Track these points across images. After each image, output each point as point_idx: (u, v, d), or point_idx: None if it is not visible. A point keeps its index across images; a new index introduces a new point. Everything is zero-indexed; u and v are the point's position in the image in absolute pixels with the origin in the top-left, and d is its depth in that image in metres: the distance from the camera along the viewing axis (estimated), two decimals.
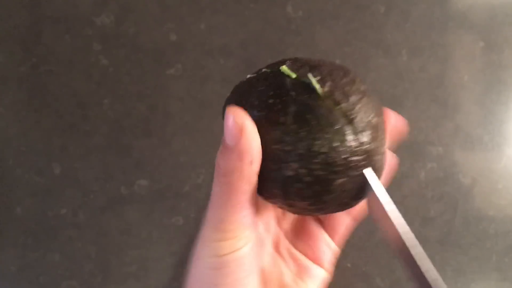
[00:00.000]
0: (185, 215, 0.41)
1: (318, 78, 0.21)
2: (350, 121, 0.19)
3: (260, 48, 0.41)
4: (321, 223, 0.25)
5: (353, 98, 0.20)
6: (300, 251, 0.24)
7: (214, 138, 0.41)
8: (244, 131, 0.18)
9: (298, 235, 0.25)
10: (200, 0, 0.41)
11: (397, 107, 0.42)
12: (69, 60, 0.40)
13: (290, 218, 0.25)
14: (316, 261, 0.24)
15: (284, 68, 0.21)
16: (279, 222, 0.25)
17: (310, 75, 0.20)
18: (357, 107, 0.20)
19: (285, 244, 0.25)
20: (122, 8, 0.40)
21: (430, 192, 0.42)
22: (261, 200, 0.22)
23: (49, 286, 0.40)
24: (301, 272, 0.24)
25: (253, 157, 0.19)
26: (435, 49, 0.42)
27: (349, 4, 0.42)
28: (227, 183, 0.19)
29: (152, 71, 0.41)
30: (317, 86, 0.20)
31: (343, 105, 0.20)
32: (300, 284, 0.23)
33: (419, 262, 0.19)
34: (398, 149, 0.43)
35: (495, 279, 0.43)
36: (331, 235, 0.25)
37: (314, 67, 0.22)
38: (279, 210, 0.25)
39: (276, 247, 0.24)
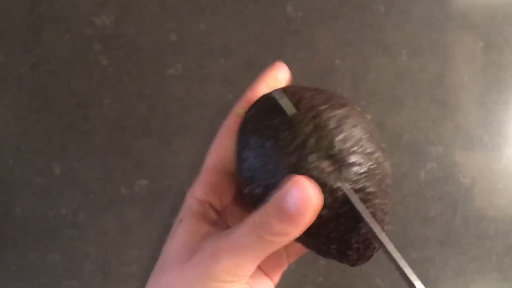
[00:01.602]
0: None
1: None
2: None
3: (260, 48, 0.41)
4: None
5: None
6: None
7: (214, 138, 0.41)
8: (311, 208, 0.18)
9: None
10: (200, 0, 0.41)
11: (397, 107, 0.42)
12: (69, 60, 0.40)
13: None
14: (268, 273, 0.24)
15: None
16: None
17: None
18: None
19: None
20: (122, 8, 0.40)
21: (430, 192, 0.42)
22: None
23: (49, 286, 0.40)
24: (253, 281, 0.23)
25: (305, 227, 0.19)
26: (435, 49, 0.42)
27: (349, 4, 0.42)
28: (270, 242, 0.19)
29: (152, 71, 0.41)
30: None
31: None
32: None
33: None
34: (399, 149, 0.43)
35: (495, 279, 0.43)
36: (289, 252, 0.25)
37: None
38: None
39: None
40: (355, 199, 0.20)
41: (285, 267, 0.26)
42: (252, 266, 0.19)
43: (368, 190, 0.20)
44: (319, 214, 0.19)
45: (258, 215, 0.19)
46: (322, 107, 0.21)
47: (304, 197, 0.18)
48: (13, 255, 0.40)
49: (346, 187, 0.20)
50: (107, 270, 0.41)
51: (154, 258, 0.42)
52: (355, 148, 0.20)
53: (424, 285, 0.25)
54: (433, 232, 0.43)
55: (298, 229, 0.18)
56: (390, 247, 0.21)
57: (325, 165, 0.20)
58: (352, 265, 0.22)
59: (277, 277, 0.25)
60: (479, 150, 0.43)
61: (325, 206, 0.19)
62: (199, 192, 0.25)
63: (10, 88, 0.40)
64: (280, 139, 0.20)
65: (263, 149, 0.21)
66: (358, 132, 0.21)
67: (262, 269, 0.25)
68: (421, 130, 0.42)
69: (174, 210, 0.41)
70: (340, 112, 0.21)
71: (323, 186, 0.19)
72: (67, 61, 0.40)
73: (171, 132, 0.41)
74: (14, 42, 0.40)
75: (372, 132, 0.22)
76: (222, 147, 0.25)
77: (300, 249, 0.25)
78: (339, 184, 0.20)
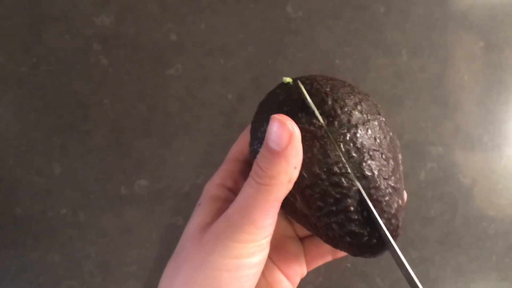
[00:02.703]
0: (185, 215, 0.41)
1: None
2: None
3: (260, 48, 0.41)
4: (303, 247, 0.26)
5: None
6: (276, 265, 0.25)
7: (214, 138, 0.41)
8: (293, 137, 0.19)
9: (278, 250, 0.25)
10: (200, 0, 0.41)
11: (397, 107, 0.42)
12: (69, 60, 0.40)
13: (275, 233, 0.26)
14: (287, 277, 0.25)
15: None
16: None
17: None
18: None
19: None
20: (122, 8, 0.40)
21: (430, 192, 0.42)
22: None
23: (49, 286, 0.40)
24: (274, 283, 0.24)
25: (298, 163, 0.19)
26: (435, 49, 0.42)
27: (349, 4, 0.42)
28: (267, 187, 0.19)
29: (152, 71, 0.41)
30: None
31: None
32: None
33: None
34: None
35: (495, 279, 0.43)
36: (307, 261, 0.26)
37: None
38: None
39: None
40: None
41: (304, 273, 0.26)
42: (264, 222, 0.19)
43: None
44: (314, 173, 0.20)
45: (252, 167, 0.20)
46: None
47: (280, 128, 0.19)
48: (13, 255, 0.40)
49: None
50: (107, 270, 0.41)
51: (154, 258, 0.42)
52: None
53: (424, 285, 0.25)
54: (433, 232, 0.43)
55: (288, 164, 0.19)
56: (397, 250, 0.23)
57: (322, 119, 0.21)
58: (367, 252, 0.23)
59: (296, 282, 0.26)
60: (479, 150, 0.43)
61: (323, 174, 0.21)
62: (217, 178, 0.25)
63: (10, 88, 0.40)
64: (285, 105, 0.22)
65: (268, 114, 0.21)
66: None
67: (284, 274, 0.25)
68: (421, 130, 0.42)
69: (174, 210, 0.41)
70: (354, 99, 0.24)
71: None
72: (67, 61, 0.40)
73: (171, 132, 0.41)
74: (14, 42, 0.40)
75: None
76: (241, 141, 0.26)
77: (320, 256, 0.26)
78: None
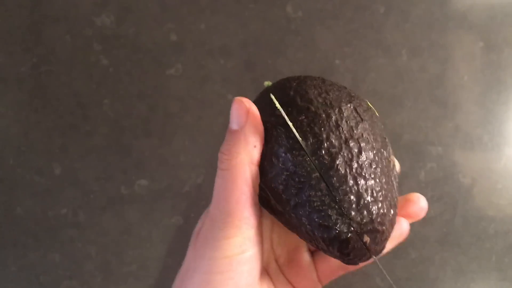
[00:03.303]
0: (185, 215, 0.41)
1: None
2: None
3: (260, 48, 0.41)
4: (314, 260, 0.25)
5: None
6: (287, 278, 0.24)
7: (214, 138, 0.41)
8: (250, 114, 0.19)
9: (289, 263, 0.25)
10: (200, 0, 0.41)
11: (397, 107, 0.42)
12: (70, 60, 0.40)
13: (285, 245, 0.25)
14: None
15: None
16: (273, 246, 0.25)
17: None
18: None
19: (274, 267, 0.24)
20: (122, 8, 0.40)
21: (430, 192, 0.42)
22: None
23: (49, 286, 0.40)
24: None
25: (257, 141, 0.19)
26: (435, 49, 0.43)
27: (349, 4, 0.42)
28: (231, 170, 0.19)
29: (152, 71, 0.41)
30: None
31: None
32: None
33: None
34: (398, 149, 0.43)
35: (494, 279, 0.43)
36: (319, 276, 0.25)
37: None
38: (275, 236, 0.25)
39: (266, 269, 0.24)
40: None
41: (337, 275, 0.26)
42: (239, 208, 0.19)
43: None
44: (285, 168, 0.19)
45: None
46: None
47: (238, 106, 0.19)
48: (13, 255, 0.40)
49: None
50: (107, 270, 0.41)
51: (154, 258, 0.42)
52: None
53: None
54: (433, 232, 0.43)
55: (246, 142, 0.19)
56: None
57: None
58: (346, 250, 0.20)
59: (325, 281, 0.25)
60: (479, 150, 0.43)
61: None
62: None
63: (10, 88, 0.40)
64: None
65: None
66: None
67: (317, 269, 0.24)
68: (421, 130, 0.42)
69: (174, 210, 0.41)
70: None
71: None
72: (67, 61, 0.40)
73: (171, 132, 0.41)
74: (15, 42, 0.40)
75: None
76: None
77: (331, 272, 0.25)
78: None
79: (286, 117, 0.20)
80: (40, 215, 0.40)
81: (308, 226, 0.19)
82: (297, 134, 0.19)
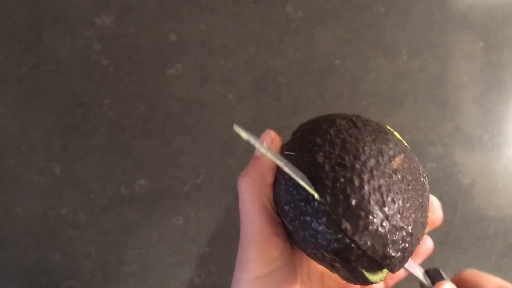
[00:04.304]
0: (185, 215, 0.41)
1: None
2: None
3: (260, 48, 0.41)
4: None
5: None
6: None
7: (214, 138, 0.41)
8: (272, 145, 0.22)
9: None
10: (200, 0, 0.41)
11: (397, 107, 0.42)
12: (69, 60, 0.40)
13: (336, 277, 0.25)
14: None
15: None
16: (324, 279, 0.25)
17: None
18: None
19: None
20: (122, 8, 0.40)
21: (430, 192, 0.42)
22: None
23: (49, 286, 0.40)
24: None
25: (274, 167, 0.21)
26: (435, 49, 0.43)
27: (349, 4, 0.42)
28: (250, 192, 0.21)
29: (152, 71, 0.41)
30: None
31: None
32: None
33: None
34: None
35: None
36: None
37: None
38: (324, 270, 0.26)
39: None
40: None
41: None
42: (263, 229, 0.20)
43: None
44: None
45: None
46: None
47: (264, 136, 0.22)
48: (13, 254, 0.40)
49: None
50: (108, 270, 0.41)
51: (154, 258, 0.42)
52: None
53: None
54: (433, 232, 0.43)
55: (263, 165, 0.21)
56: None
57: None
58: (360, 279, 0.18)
59: None
60: (479, 150, 0.43)
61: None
62: None
63: (10, 88, 0.40)
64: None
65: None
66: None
67: None
68: (421, 130, 0.42)
69: (174, 210, 0.41)
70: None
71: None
72: (67, 61, 0.40)
73: (171, 132, 0.41)
74: (15, 42, 0.40)
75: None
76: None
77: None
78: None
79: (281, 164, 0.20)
80: (40, 215, 0.40)
81: (302, 232, 0.19)
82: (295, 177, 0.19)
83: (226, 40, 0.41)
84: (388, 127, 0.22)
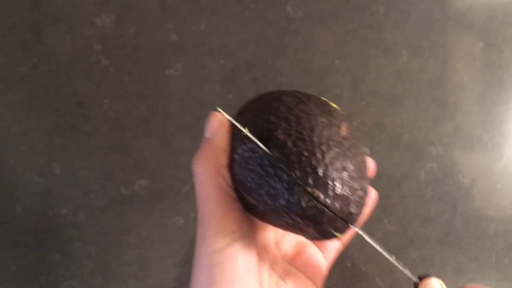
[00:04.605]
0: (185, 215, 0.41)
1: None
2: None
3: (260, 48, 0.41)
4: (318, 246, 0.28)
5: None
6: (299, 270, 0.26)
7: None
8: (221, 127, 0.23)
9: (298, 255, 0.27)
10: (200, 0, 0.41)
11: (397, 107, 0.42)
12: (70, 60, 0.40)
13: (290, 241, 0.27)
14: (311, 278, 0.26)
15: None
16: (278, 244, 0.27)
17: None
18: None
19: (283, 264, 0.26)
20: (122, 8, 0.40)
21: (430, 192, 0.43)
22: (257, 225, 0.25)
23: (49, 286, 0.40)
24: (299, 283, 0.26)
25: (225, 147, 0.22)
26: (435, 49, 0.43)
27: (349, 4, 0.42)
28: (205, 173, 0.22)
29: (152, 71, 0.41)
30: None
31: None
32: None
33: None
34: (398, 149, 0.43)
35: (494, 279, 0.43)
36: (324, 254, 0.28)
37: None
38: (278, 235, 0.27)
39: (273, 267, 0.26)
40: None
41: (339, 252, 0.29)
42: (221, 205, 0.22)
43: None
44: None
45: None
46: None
47: (212, 119, 0.23)
48: (13, 255, 0.40)
49: None
50: (108, 270, 0.41)
51: (154, 258, 0.42)
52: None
53: None
54: (433, 232, 0.43)
55: (217, 147, 0.22)
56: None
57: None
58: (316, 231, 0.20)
59: (331, 261, 0.28)
60: (479, 150, 0.43)
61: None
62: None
63: (10, 88, 0.40)
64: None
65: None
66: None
67: (305, 275, 0.26)
68: (421, 130, 0.42)
69: (174, 210, 0.41)
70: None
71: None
72: (67, 61, 0.40)
73: (171, 132, 0.41)
74: (15, 42, 0.40)
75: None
76: None
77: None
78: None
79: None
80: (40, 215, 0.40)
81: (272, 204, 0.20)
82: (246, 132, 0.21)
83: (226, 40, 0.41)
84: (323, 98, 0.24)
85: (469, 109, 0.43)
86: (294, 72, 0.42)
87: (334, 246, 0.28)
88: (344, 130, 0.21)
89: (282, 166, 0.20)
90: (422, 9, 0.42)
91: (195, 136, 0.41)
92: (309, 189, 0.19)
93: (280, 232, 0.27)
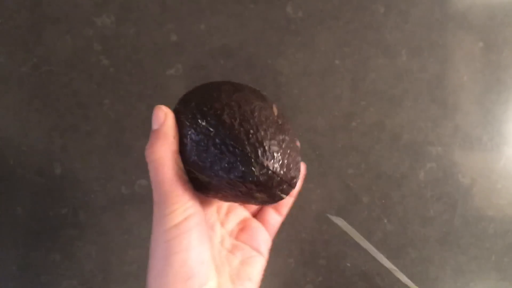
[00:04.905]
0: None
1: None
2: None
3: (260, 48, 0.41)
4: (260, 220, 0.31)
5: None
6: (244, 243, 0.30)
7: None
8: (167, 117, 0.25)
9: (242, 231, 0.30)
10: (200, 0, 0.41)
11: (397, 107, 0.42)
12: (70, 60, 0.40)
13: (234, 220, 0.31)
14: (257, 249, 0.29)
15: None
16: (223, 224, 0.30)
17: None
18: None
19: (230, 240, 0.29)
20: (123, 8, 0.41)
21: (430, 192, 0.43)
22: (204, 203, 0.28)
23: (50, 285, 0.40)
24: (246, 259, 0.29)
25: (173, 133, 0.25)
26: (435, 49, 0.43)
27: (349, 4, 0.42)
28: (157, 160, 0.24)
29: (152, 71, 0.41)
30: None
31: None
32: (246, 268, 0.28)
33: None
34: (398, 149, 0.43)
35: (494, 279, 0.43)
36: (266, 228, 0.31)
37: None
38: (222, 217, 0.30)
39: (222, 243, 0.29)
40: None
41: (279, 223, 0.32)
42: (174, 189, 0.24)
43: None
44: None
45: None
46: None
47: (158, 112, 0.25)
48: (14, 254, 0.40)
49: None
50: (108, 270, 0.41)
51: None
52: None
53: (424, 284, 0.25)
54: (433, 231, 0.43)
55: (166, 136, 0.24)
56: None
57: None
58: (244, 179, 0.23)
59: (273, 232, 0.31)
60: (478, 150, 0.43)
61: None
62: None
63: (11, 88, 0.40)
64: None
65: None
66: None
67: (251, 247, 0.29)
68: (421, 130, 0.43)
69: None
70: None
71: None
72: (67, 61, 0.40)
73: None
74: (15, 42, 0.40)
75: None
76: None
77: (274, 224, 0.31)
78: None
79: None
80: (40, 215, 0.40)
81: (226, 177, 0.23)
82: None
83: (226, 40, 0.41)
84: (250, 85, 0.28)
85: (469, 109, 0.43)
86: (294, 72, 0.42)
87: (275, 220, 0.31)
88: (276, 110, 0.26)
89: (233, 143, 0.23)
90: (422, 9, 0.42)
91: None
92: (259, 160, 0.23)
93: (223, 213, 0.30)
